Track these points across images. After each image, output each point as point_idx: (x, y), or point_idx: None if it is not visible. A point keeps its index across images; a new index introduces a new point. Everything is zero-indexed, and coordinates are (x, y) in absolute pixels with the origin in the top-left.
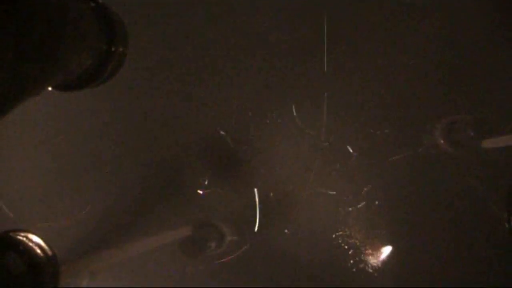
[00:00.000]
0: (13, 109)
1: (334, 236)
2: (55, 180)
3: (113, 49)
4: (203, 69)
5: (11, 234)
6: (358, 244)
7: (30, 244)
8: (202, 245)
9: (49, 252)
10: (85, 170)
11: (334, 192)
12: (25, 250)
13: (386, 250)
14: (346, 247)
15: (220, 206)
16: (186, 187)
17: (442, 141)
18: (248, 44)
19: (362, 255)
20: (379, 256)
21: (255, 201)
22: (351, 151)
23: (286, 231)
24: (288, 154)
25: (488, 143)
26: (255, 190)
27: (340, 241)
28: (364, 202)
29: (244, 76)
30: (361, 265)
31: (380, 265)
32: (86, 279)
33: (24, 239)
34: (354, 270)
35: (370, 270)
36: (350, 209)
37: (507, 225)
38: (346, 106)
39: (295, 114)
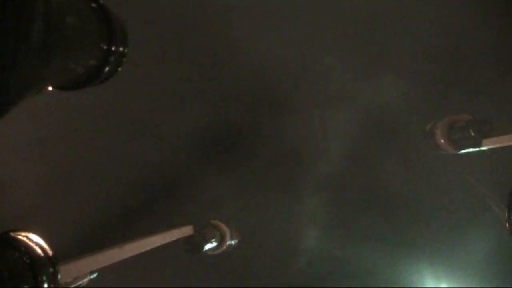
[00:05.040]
0: (13, 108)
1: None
2: (55, 180)
3: (113, 48)
4: (199, 69)
5: (11, 234)
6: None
7: (31, 244)
8: (203, 245)
9: (49, 252)
10: (85, 170)
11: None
12: (26, 250)
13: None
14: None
15: (220, 206)
16: (187, 187)
17: (442, 141)
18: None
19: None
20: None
21: (254, 200)
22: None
23: None
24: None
25: (488, 143)
26: None
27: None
28: (363, 205)
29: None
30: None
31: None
32: (86, 279)
33: (25, 238)
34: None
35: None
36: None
37: (507, 225)
38: (347, 106)
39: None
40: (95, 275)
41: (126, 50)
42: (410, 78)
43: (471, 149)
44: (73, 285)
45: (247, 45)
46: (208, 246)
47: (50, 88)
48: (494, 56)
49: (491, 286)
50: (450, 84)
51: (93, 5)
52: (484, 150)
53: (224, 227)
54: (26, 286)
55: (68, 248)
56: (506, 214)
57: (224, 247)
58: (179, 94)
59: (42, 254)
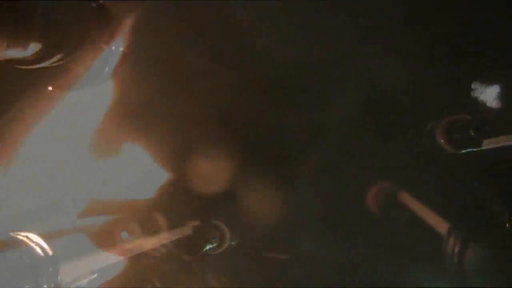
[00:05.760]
0: (13, 108)
1: None
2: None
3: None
4: (200, 66)
5: (12, 234)
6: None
7: (31, 244)
8: (203, 245)
9: (49, 252)
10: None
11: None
12: (26, 250)
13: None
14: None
15: (220, 206)
16: (187, 186)
17: (442, 141)
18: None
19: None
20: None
21: (255, 200)
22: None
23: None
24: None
25: (488, 143)
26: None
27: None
28: (362, 204)
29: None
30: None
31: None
32: (86, 279)
33: (25, 238)
34: None
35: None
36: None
37: (507, 225)
38: (346, 104)
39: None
40: (95, 275)
41: (126, 50)
42: (410, 78)
43: (471, 149)
44: (73, 285)
45: (251, 41)
46: (208, 246)
47: (50, 88)
48: (494, 57)
49: (491, 286)
50: (450, 84)
51: (93, 5)
52: (484, 150)
53: (224, 227)
54: (26, 286)
55: (68, 248)
56: (506, 214)
57: (224, 247)
58: (178, 93)
59: (42, 254)
